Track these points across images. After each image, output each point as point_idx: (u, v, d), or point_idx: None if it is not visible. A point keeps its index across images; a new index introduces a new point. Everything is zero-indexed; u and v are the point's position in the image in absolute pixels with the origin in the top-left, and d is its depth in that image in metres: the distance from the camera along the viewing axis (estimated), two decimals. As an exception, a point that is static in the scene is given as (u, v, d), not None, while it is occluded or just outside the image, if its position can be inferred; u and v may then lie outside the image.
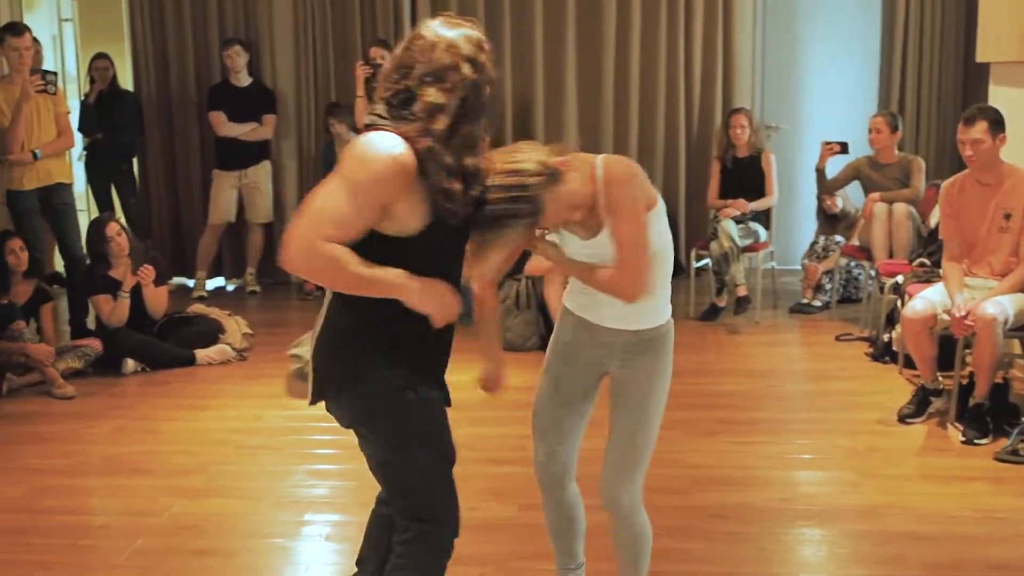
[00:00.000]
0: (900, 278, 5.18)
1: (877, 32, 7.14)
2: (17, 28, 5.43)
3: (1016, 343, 4.66)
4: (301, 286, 7.12)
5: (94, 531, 3.42)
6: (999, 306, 4.05)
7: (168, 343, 5.40)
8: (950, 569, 3.05)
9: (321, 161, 7.12)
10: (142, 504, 3.62)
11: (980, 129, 4.14)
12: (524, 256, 2.49)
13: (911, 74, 7.00)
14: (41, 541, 3.33)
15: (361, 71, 6.35)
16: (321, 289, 6.71)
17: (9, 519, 3.51)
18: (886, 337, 5.25)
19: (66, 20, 8.00)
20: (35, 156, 5.44)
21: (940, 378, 4.41)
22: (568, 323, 2.52)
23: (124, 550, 3.24)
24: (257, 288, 7.17)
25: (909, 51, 6.97)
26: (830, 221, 6.52)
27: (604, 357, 2.48)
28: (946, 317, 4.23)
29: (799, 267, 6.69)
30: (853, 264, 6.41)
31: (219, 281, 7.46)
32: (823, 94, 7.29)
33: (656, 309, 2.44)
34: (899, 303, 5.10)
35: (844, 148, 6.04)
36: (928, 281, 4.83)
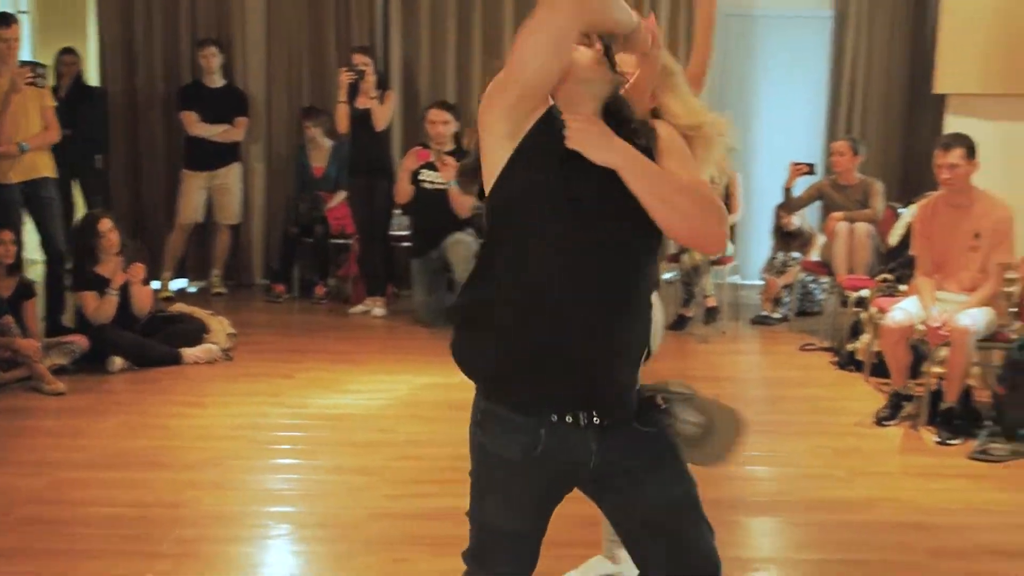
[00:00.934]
0: (865, 292, 5.53)
1: (826, 62, 7.53)
2: (5, 19, 5.33)
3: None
4: (268, 288, 7.12)
5: (130, 521, 3.42)
6: (972, 318, 4.41)
7: (153, 341, 5.38)
8: (953, 555, 3.33)
9: (293, 164, 7.16)
10: (169, 496, 3.65)
11: (957, 155, 4.50)
12: None
13: (858, 103, 7.43)
14: (80, 531, 3.34)
15: (345, 77, 6.41)
16: (290, 291, 6.91)
17: (40, 509, 3.50)
18: (850, 347, 5.59)
19: (22, 12, 7.84)
20: (21, 149, 5.36)
21: (910, 384, 4.75)
22: None
23: (164, 538, 3.28)
24: (223, 289, 7.15)
25: (858, 81, 7.40)
26: (785, 238, 6.87)
27: None
28: (923, 327, 4.57)
29: (755, 281, 7.02)
30: (809, 279, 6.77)
31: (182, 282, 7.40)
32: (774, 120, 7.65)
33: None
34: (862, 316, 5.46)
35: (811, 169, 6.40)
36: (892, 295, 5.19)
